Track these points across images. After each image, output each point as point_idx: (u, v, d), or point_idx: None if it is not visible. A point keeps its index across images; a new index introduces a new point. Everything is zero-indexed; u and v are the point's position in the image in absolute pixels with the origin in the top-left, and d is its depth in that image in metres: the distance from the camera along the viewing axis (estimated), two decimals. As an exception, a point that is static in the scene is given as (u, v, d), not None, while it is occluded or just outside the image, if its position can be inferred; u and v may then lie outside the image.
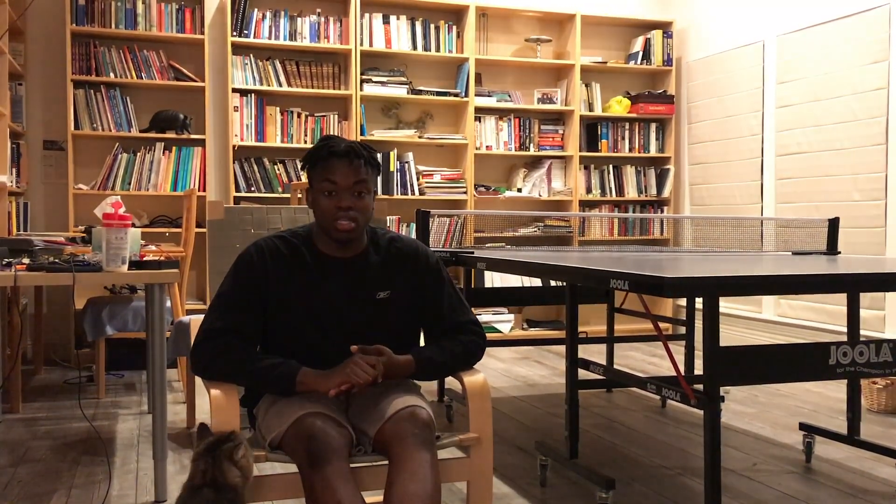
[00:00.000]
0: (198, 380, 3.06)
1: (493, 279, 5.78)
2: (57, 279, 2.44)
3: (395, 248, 2.06)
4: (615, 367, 4.27)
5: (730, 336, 5.35)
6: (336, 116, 5.60)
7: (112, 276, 2.50)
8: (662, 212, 6.31)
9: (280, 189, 5.42)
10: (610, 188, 6.22)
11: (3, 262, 2.59)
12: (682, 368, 4.00)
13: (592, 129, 6.17)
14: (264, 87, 5.39)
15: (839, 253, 3.72)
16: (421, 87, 5.72)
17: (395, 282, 2.03)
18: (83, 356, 4.91)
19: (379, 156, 5.53)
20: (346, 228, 1.92)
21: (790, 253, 3.63)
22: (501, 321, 5.79)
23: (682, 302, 5.62)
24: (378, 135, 5.64)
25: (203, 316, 1.99)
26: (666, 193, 6.27)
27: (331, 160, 1.92)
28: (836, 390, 4.30)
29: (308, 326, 1.95)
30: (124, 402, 4.03)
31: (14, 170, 4.70)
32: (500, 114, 5.95)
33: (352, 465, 1.79)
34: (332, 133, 5.52)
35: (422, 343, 2.13)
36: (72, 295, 4.16)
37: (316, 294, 1.97)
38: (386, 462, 1.81)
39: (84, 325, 4.11)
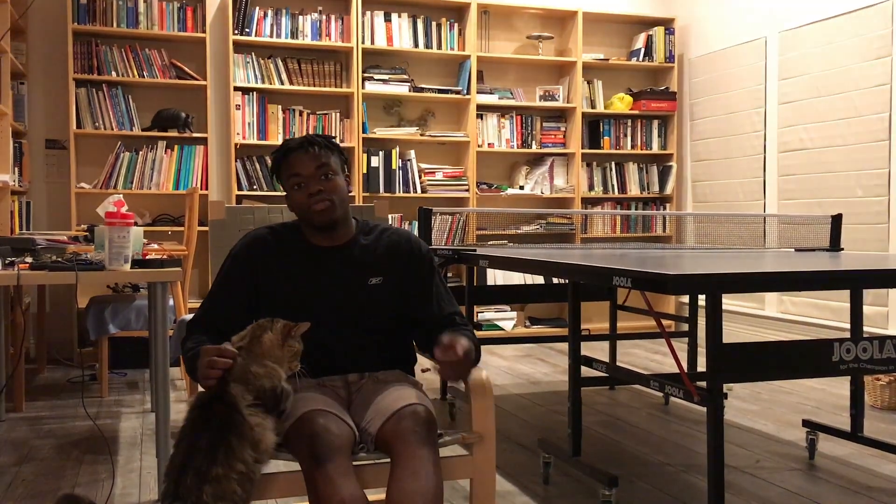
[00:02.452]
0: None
1: (496, 277, 5.77)
2: (60, 278, 2.44)
3: (388, 237, 2.11)
4: (618, 364, 4.26)
5: (733, 333, 5.35)
6: (338, 114, 5.59)
7: (115, 274, 2.50)
8: (665, 209, 6.30)
9: (282, 187, 5.41)
10: (612, 185, 6.21)
11: (6, 262, 2.59)
12: (684, 365, 3.99)
13: (594, 127, 6.16)
14: (266, 86, 5.38)
15: (842, 249, 3.71)
16: (423, 85, 5.71)
17: (387, 269, 2.06)
18: (86, 355, 4.91)
19: (381, 153, 5.59)
20: (321, 209, 1.98)
21: (793, 249, 3.63)
22: (504, 319, 5.78)
23: (685, 299, 5.61)
24: (380, 133, 5.63)
25: None
26: (668, 190, 6.26)
27: (289, 156, 2.01)
28: (839, 387, 4.29)
29: (301, 313, 1.96)
30: (127, 401, 4.04)
31: (16, 169, 4.70)
32: (502, 111, 5.95)
33: (354, 463, 1.79)
34: (331, 132, 5.51)
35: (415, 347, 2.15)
36: (75, 294, 4.16)
37: (308, 281, 2.01)
38: (388, 460, 1.81)
39: (87, 324, 4.12)
